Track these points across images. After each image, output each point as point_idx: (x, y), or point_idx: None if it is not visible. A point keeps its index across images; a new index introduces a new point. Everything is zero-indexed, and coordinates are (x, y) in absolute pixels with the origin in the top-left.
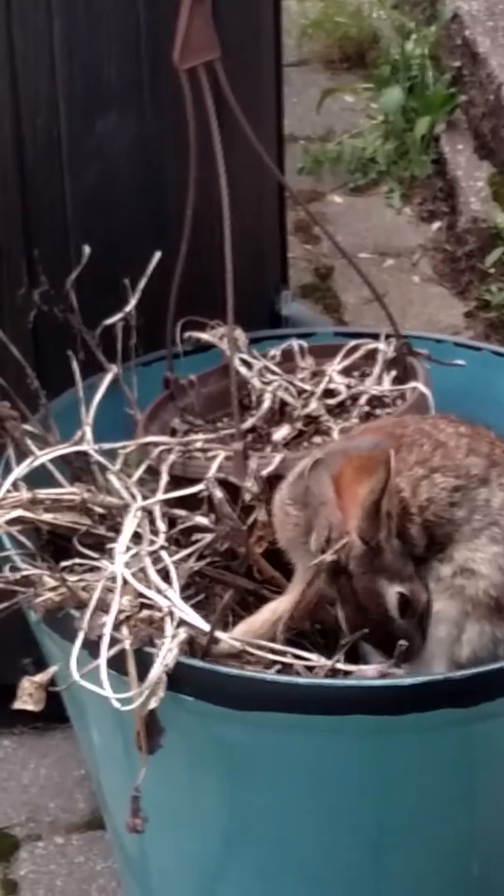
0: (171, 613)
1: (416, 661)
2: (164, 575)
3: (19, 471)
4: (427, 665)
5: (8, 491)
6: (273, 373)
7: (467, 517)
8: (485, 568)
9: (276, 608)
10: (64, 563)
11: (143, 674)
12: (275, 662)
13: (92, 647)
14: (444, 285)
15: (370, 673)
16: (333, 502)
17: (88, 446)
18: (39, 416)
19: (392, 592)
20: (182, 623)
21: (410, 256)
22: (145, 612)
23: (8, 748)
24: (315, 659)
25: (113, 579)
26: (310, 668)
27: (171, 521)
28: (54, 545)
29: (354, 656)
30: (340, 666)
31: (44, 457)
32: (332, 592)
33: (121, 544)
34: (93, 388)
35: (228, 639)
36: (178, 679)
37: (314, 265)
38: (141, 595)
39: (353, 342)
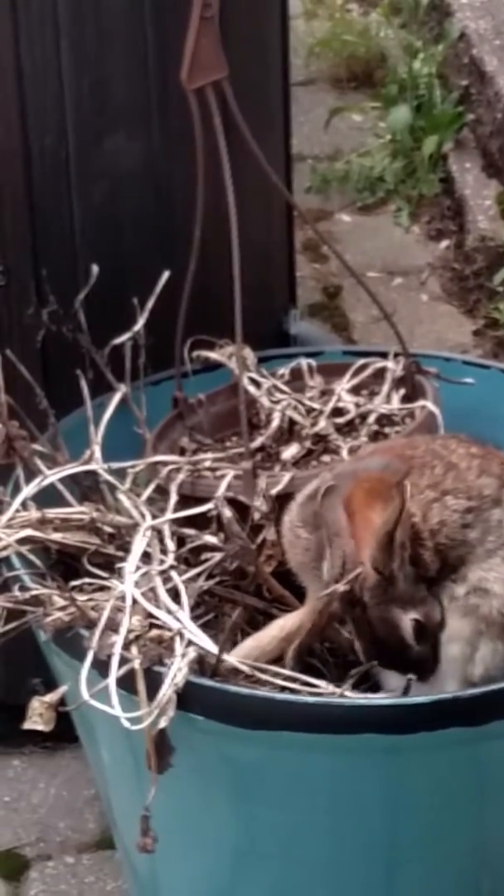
0: (180, 633)
1: (429, 680)
2: (174, 594)
3: (28, 490)
4: (440, 683)
5: (17, 510)
6: (282, 392)
7: (481, 538)
8: (499, 587)
9: (284, 625)
10: (73, 583)
11: (152, 693)
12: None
13: (101, 667)
14: (453, 304)
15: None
16: (347, 532)
17: (97, 465)
18: (48, 435)
19: (407, 620)
20: (192, 643)
21: (419, 275)
22: (155, 632)
23: (18, 768)
24: (323, 686)
25: (122, 598)
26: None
27: (181, 541)
28: (63, 565)
29: (365, 679)
30: (349, 694)
31: (53, 476)
32: (347, 622)
33: (130, 563)
34: (102, 407)
35: (238, 663)
36: (187, 698)
37: (322, 284)
38: (150, 614)
39: (361, 361)
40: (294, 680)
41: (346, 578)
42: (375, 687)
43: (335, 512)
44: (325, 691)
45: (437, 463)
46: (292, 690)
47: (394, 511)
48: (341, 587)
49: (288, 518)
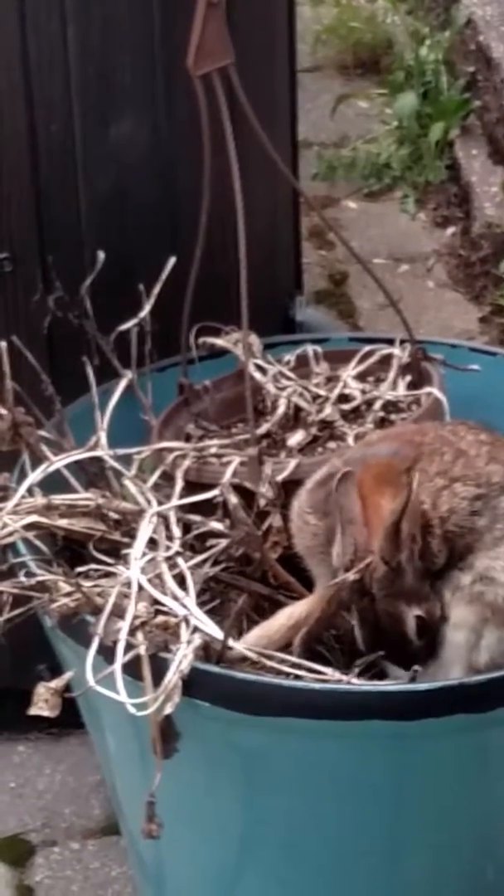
0: (186, 619)
1: (433, 667)
2: (180, 580)
3: (34, 476)
4: (445, 671)
5: (23, 496)
6: (288, 378)
7: (489, 525)
8: None
9: (292, 613)
10: (79, 569)
11: (158, 679)
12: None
13: (107, 653)
14: (459, 290)
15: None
16: (361, 520)
17: (103, 452)
18: (54, 421)
19: (411, 616)
20: (197, 629)
21: (425, 262)
22: (161, 618)
23: (23, 754)
24: (329, 673)
25: (128, 585)
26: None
27: (186, 527)
28: (69, 551)
29: (370, 667)
30: (355, 681)
31: (59, 462)
32: (352, 611)
33: (136, 550)
34: (107, 393)
35: (244, 649)
36: (193, 684)
37: (328, 271)
38: (156, 601)
39: (367, 347)
40: (300, 667)
41: (357, 567)
42: (381, 675)
43: (350, 498)
44: (331, 678)
45: (446, 450)
46: (298, 677)
47: (401, 502)
48: (351, 576)
49: (297, 503)
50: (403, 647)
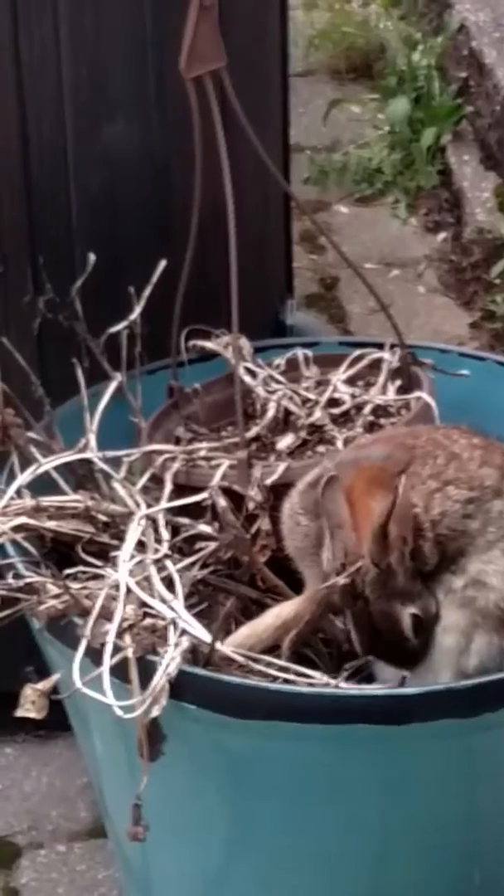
0: (174, 622)
1: (421, 671)
2: (168, 583)
3: (23, 478)
4: (434, 675)
5: (12, 498)
6: (277, 382)
7: (481, 529)
8: (496, 580)
9: (280, 613)
10: (67, 571)
11: (145, 682)
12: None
13: (95, 655)
14: (450, 296)
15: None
16: (349, 524)
17: (92, 454)
18: (44, 423)
19: (406, 615)
20: (185, 632)
21: (416, 267)
22: (148, 621)
23: (10, 756)
24: (318, 677)
25: (116, 587)
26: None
27: (175, 530)
28: (58, 553)
29: (358, 670)
30: (343, 685)
31: (48, 464)
32: (346, 614)
33: (124, 552)
34: (97, 395)
35: (232, 653)
36: (180, 687)
37: (319, 275)
38: (144, 603)
39: (357, 352)
40: (287, 670)
41: (348, 571)
42: (369, 678)
43: (337, 503)
44: (319, 682)
45: (439, 453)
46: (286, 680)
47: (387, 504)
48: (342, 580)
49: (288, 505)
50: (400, 646)
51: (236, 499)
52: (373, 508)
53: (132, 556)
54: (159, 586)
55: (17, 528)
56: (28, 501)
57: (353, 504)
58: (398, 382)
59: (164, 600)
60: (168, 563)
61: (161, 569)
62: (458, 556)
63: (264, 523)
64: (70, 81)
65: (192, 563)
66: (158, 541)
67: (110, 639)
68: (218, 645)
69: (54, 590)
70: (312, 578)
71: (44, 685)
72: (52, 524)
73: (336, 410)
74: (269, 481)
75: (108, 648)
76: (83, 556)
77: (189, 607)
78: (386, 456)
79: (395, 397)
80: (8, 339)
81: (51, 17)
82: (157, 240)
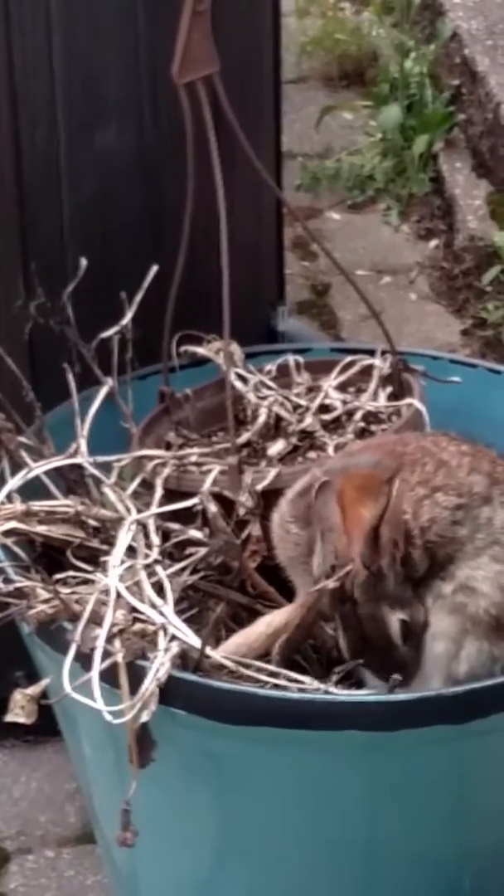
0: (164, 627)
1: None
2: (158, 588)
3: (14, 483)
4: (424, 681)
5: (2, 502)
6: (269, 388)
7: (470, 535)
8: (486, 587)
9: (272, 621)
10: (57, 576)
11: (135, 687)
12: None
13: (84, 660)
14: (441, 303)
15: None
16: (341, 528)
17: (83, 459)
18: (34, 428)
19: (395, 620)
20: (175, 637)
21: (407, 274)
22: (138, 626)
23: None
24: (308, 682)
25: (106, 592)
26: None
27: (165, 535)
28: (48, 557)
29: (348, 675)
30: (333, 690)
31: (38, 469)
32: (333, 616)
33: (114, 557)
34: (88, 400)
35: (222, 658)
36: (170, 693)
37: (311, 281)
38: (134, 608)
39: (348, 358)
40: (278, 675)
41: (337, 575)
42: (360, 685)
43: (329, 508)
44: (310, 687)
45: (427, 460)
46: (276, 685)
47: (380, 507)
48: (331, 583)
49: (278, 513)
50: (388, 652)
51: (227, 504)
52: (362, 515)
53: (122, 561)
54: (149, 591)
55: (7, 533)
56: (18, 506)
57: (342, 511)
58: (389, 389)
59: (154, 605)
60: (158, 568)
61: (151, 574)
62: (448, 562)
63: (255, 529)
64: (63, 87)
65: (183, 569)
66: (149, 546)
67: (100, 644)
68: (208, 650)
69: (44, 594)
70: (304, 587)
71: (33, 690)
72: (42, 529)
73: (327, 417)
74: (259, 487)
75: (98, 653)
76: (73, 560)
77: (179, 613)
78: (375, 463)
79: (386, 404)
80: None
81: (44, 22)
82: (150, 245)
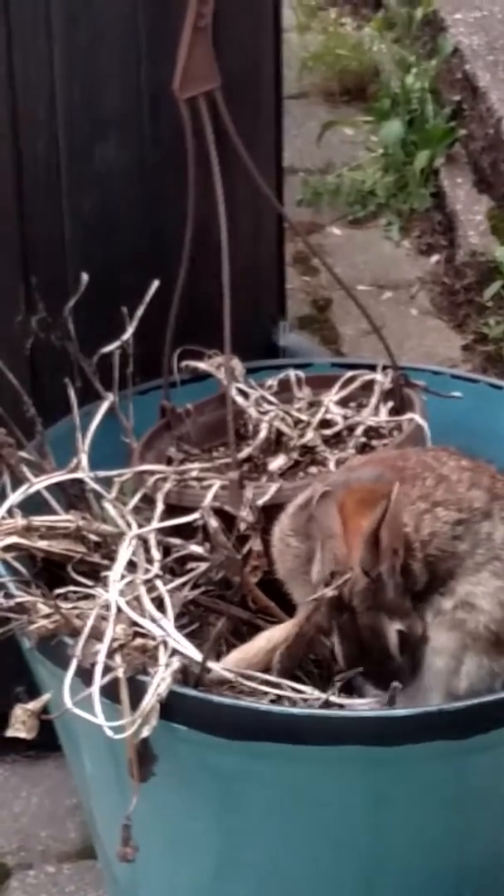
0: (164, 642)
1: (412, 692)
2: (159, 603)
3: (15, 497)
4: (424, 696)
5: (3, 517)
6: (270, 403)
7: (470, 551)
8: (486, 602)
9: (272, 636)
10: (58, 591)
11: (136, 702)
12: (268, 693)
13: (85, 675)
14: (442, 318)
15: (363, 706)
16: (341, 536)
17: (84, 474)
18: (35, 443)
19: (393, 630)
20: (176, 652)
21: (408, 289)
22: (139, 641)
23: (0, 776)
24: (309, 692)
25: (107, 607)
26: (304, 701)
27: (166, 550)
28: (49, 572)
29: (348, 687)
30: (334, 699)
31: (39, 484)
32: (331, 627)
33: (115, 572)
34: (89, 415)
35: (222, 670)
36: (171, 708)
37: (312, 297)
38: (135, 623)
39: (350, 373)
40: (279, 686)
41: (336, 582)
42: (360, 695)
43: (329, 516)
44: (311, 697)
45: (428, 475)
46: (278, 696)
47: (380, 510)
48: (330, 591)
49: (279, 527)
50: (385, 662)
51: (228, 519)
52: (363, 527)
53: (123, 576)
54: (150, 606)
55: (7, 548)
56: (19, 521)
57: (344, 522)
58: (390, 404)
59: (154, 620)
60: (159, 583)
61: (152, 589)
62: (448, 577)
63: (255, 544)
64: (64, 100)
65: (184, 584)
66: (149, 561)
67: (101, 659)
68: (209, 664)
69: (45, 609)
70: (303, 599)
71: (34, 705)
72: (43, 544)
73: (328, 431)
74: (260, 502)
75: (99, 668)
76: (74, 575)
77: (180, 628)
78: (376, 477)
79: (387, 419)
80: (0, 358)
81: (45, 37)
82: (151, 260)
